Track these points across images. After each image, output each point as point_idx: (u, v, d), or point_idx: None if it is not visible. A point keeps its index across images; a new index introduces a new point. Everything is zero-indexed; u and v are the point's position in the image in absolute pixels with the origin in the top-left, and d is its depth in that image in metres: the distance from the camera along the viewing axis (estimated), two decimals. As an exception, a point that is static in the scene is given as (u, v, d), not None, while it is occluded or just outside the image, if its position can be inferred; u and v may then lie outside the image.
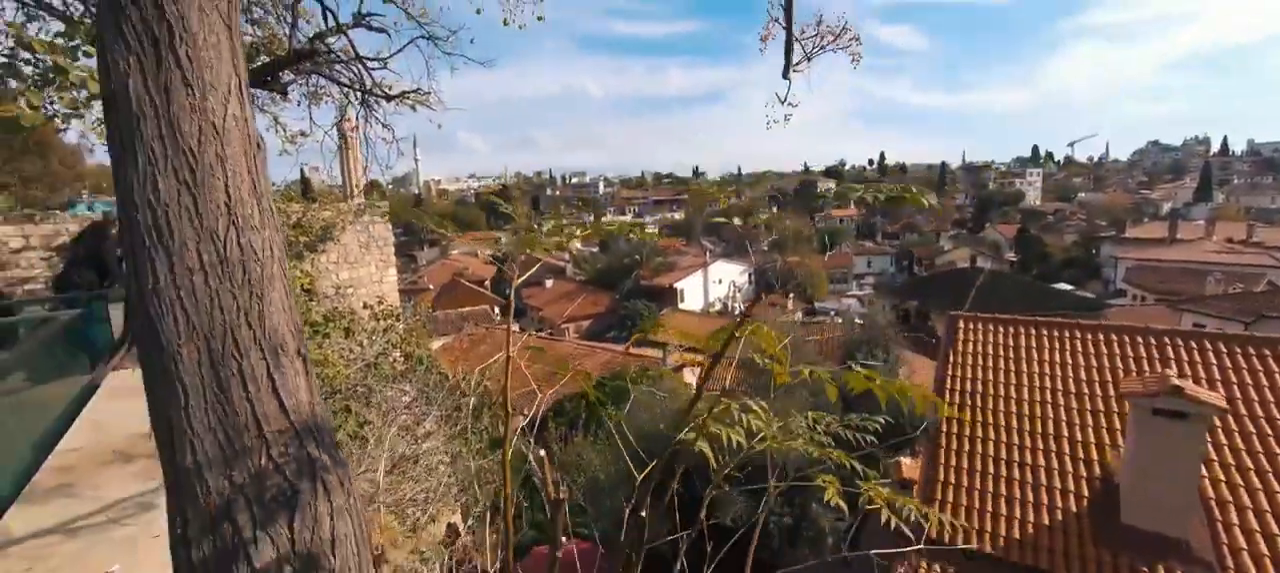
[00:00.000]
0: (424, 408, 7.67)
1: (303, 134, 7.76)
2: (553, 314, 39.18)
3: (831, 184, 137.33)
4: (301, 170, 12.19)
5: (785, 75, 2.32)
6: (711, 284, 44.30)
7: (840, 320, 28.34)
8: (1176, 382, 7.03)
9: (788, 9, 2.04)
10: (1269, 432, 8.14)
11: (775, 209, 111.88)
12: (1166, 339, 9.96)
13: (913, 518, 2.15)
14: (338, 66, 6.57)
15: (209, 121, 1.14)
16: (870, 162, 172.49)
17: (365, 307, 9.36)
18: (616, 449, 10.70)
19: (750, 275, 49.28)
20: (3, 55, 2.93)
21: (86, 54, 3.37)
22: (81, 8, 4.66)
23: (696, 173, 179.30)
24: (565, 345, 25.20)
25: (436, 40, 6.22)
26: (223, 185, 1.14)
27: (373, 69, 6.66)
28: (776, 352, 2.01)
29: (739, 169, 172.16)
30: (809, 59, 2.52)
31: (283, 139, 7.66)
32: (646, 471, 2.27)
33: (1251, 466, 7.84)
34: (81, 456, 2.63)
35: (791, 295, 42.08)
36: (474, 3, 5.69)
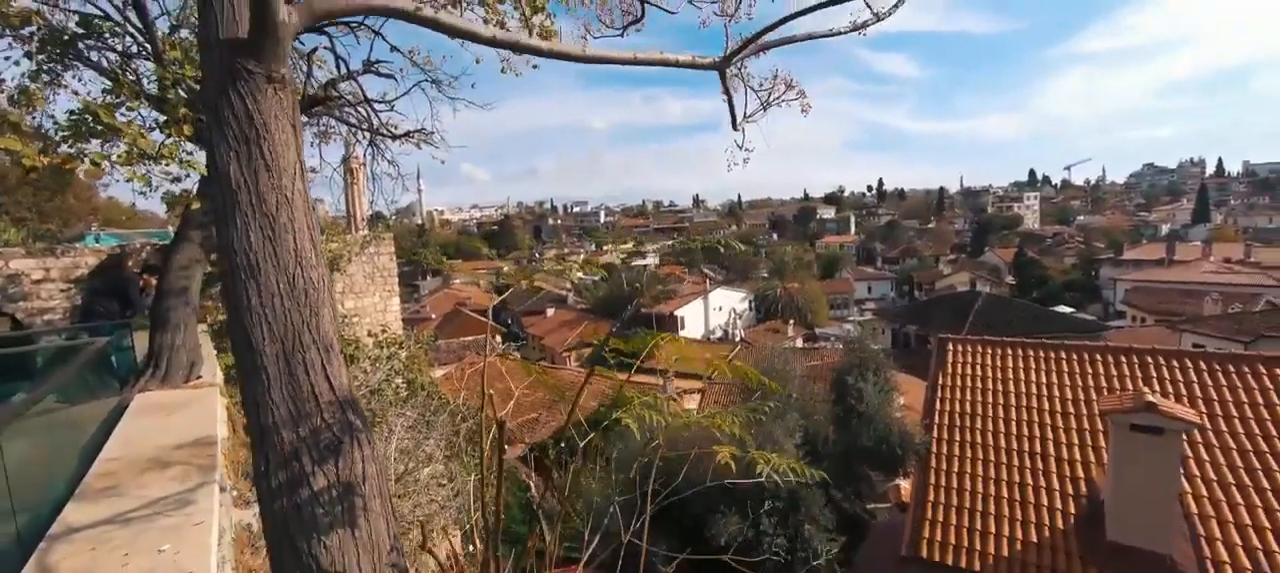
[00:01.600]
0: (424, 432, 7.93)
1: (312, 170, 8.21)
2: (554, 343, 39.45)
3: (831, 210, 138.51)
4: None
5: (735, 127, 2.70)
6: (712, 311, 44.56)
7: (840, 346, 28.51)
8: (1150, 398, 7.29)
9: (724, 88, 2.42)
10: (1248, 447, 8.36)
11: (775, 236, 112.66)
12: (1149, 358, 10.23)
13: (789, 478, 2.42)
14: (347, 109, 7.02)
15: (283, 194, 1.67)
16: (869, 188, 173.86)
17: (370, 335, 9.69)
18: (616, 473, 10.90)
19: (751, 302, 49.58)
20: (72, 116, 3.34)
21: (128, 108, 3.78)
22: (116, 56, 5.11)
23: (697, 200, 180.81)
24: (566, 373, 25.41)
25: (439, 84, 6.67)
26: (292, 238, 1.67)
27: (380, 111, 7.10)
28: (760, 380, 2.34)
29: (739, 196, 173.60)
30: (764, 108, 2.90)
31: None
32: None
33: (1232, 480, 8.05)
34: (121, 464, 2.94)
35: (792, 322, 42.31)
36: (473, 52, 6.13)
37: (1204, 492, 8.04)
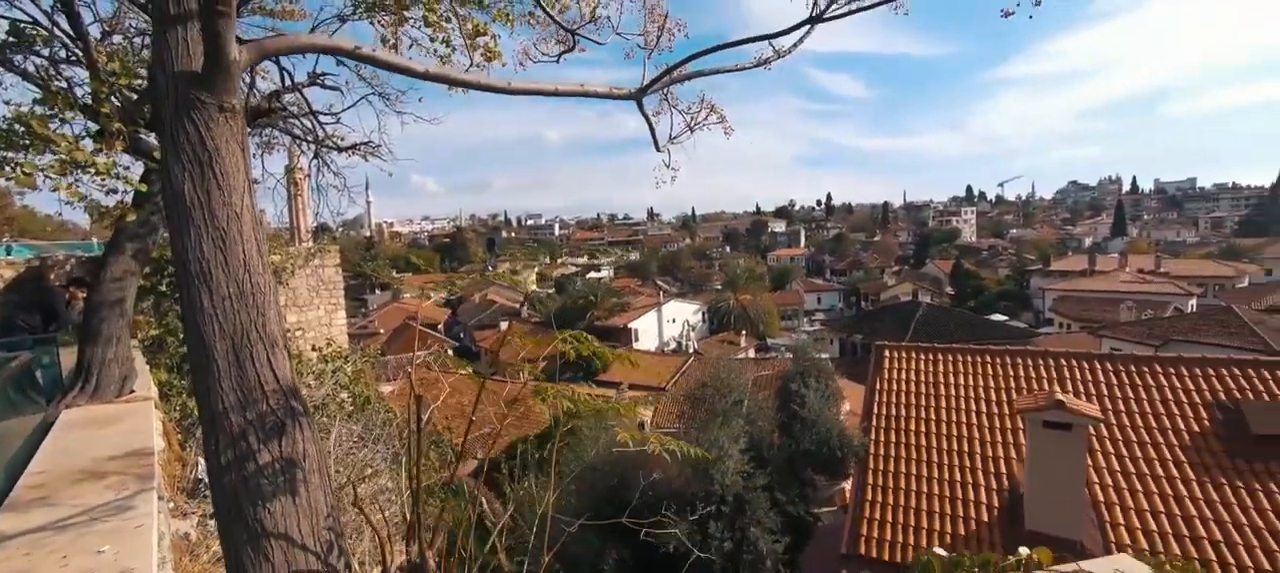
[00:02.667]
0: (372, 447, 7.84)
1: (255, 181, 8.05)
2: (507, 356, 38.93)
3: (782, 224, 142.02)
4: (250, 215, 12.29)
5: (657, 149, 2.94)
6: (666, 323, 45.01)
7: (790, 356, 29.28)
8: (1059, 397, 7.92)
9: (644, 115, 2.67)
10: (1146, 439, 9.15)
11: (728, 248, 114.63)
12: (1063, 361, 11.05)
13: (657, 452, 2.65)
14: (291, 120, 6.96)
15: (232, 210, 1.88)
16: (818, 202, 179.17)
17: (314, 349, 9.50)
18: (567, 484, 10.96)
19: (704, 314, 50.32)
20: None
21: (62, 120, 3.73)
22: (44, 61, 4.99)
23: (652, 214, 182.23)
24: (519, 386, 25.17)
25: (387, 98, 6.72)
26: (241, 248, 1.88)
27: (326, 123, 7.07)
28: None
29: (693, 210, 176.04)
30: (691, 130, 3.16)
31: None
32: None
33: (1133, 469, 8.80)
34: (51, 476, 2.90)
35: (744, 333, 43.13)
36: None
37: (1109, 482, 8.76)
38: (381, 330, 40.41)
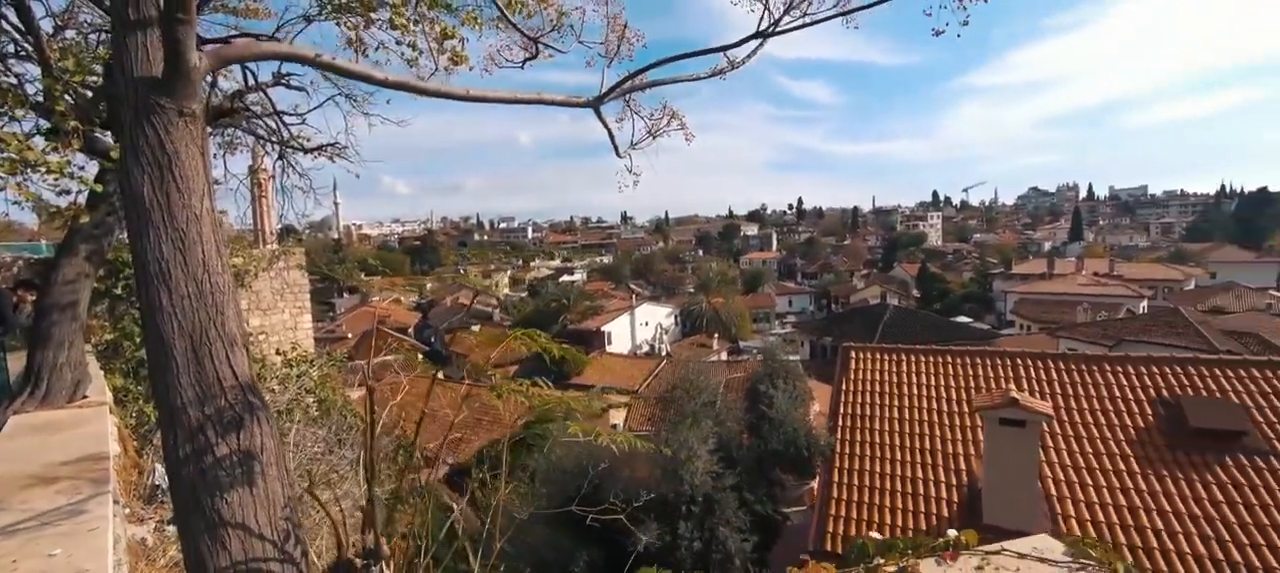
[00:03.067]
0: (339, 452, 7.74)
1: (217, 182, 7.89)
2: (479, 360, 38.57)
3: (754, 228, 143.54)
4: (211, 216, 12.02)
5: (618, 155, 3.03)
6: (639, 326, 45.10)
7: (761, 358, 29.63)
8: (1014, 395, 8.23)
9: (602, 122, 2.76)
10: (1095, 434, 9.56)
11: (701, 252, 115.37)
12: (1019, 360, 11.47)
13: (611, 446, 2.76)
14: (255, 121, 6.86)
15: (191, 212, 1.91)
16: (789, 206, 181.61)
17: (278, 353, 9.33)
18: (538, 487, 10.95)
19: (676, 317, 50.56)
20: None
21: (13, 117, 3.64)
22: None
23: (625, 217, 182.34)
24: (474, 388, 24.95)
25: (353, 99, 6.66)
26: (200, 249, 1.91)
27: (291, 123, 6.98)
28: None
29: (666, 213, 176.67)
30: (653, 136, 3.25)
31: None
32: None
33: (1083, 463, 9.19)
34: (0, 482, 2.85)
35: (716, 335, 43.48)
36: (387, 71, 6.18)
37: (1061, 476, 9.12)
38: (349, 335, 39.66)
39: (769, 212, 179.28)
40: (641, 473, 10.27)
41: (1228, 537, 7.70)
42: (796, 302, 72.40)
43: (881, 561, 2.38)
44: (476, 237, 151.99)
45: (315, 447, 7.35)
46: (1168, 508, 8.25)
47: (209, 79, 6.29)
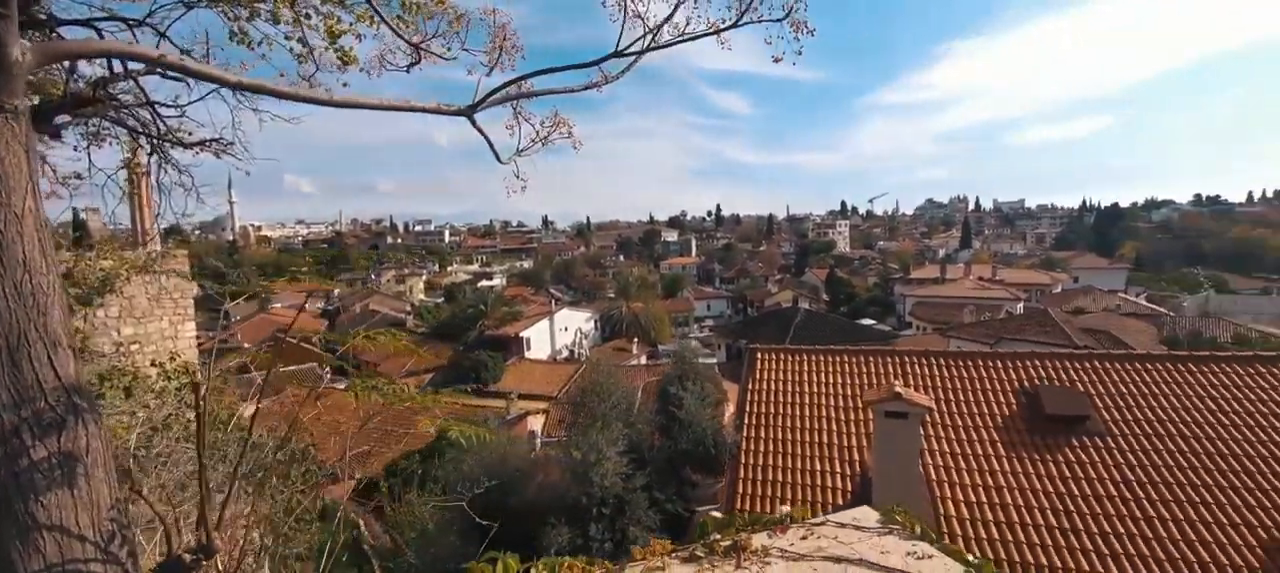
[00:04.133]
0: (224, 468, 7.24)
1: (77, 176, 7.20)
2: (391, 370, 36.95)
3: (675, 234, 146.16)
4: (75, 214, 10.89)
5: (500, 162, 3.11)
6: (558, 331, 44.80)
7: (671, 361, 30.25)
8: (898, 389, 8.95)
9: (478, 130, 2.84)
10: (969, 423, 10.56)
11: (622, 257, 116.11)
12: (906, 358, 12.45)
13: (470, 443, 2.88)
14: (124, 111, 6.32)
15: (12, 212, 1.85)
16: (708, 213, 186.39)
17: (153, 364, 8.59)
18: (448, 497, 10.68)
19: (596, 322, 50.65)
20: None
21: None
22: None
23: (546, 221, 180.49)
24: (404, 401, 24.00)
25: (240, 93, 6.29)
26: (20, 248, 1.86)
27: (168, 116, 6.49)
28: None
29: (588, 218, 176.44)
30: (543, 142, 3.35)
31: (51, 181, 7.03)
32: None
33: (958, 450, 10.11)
34: None
35: (636, 340, 43.92)
36: (276, 64, 5.90)
37: (940, 462, 10.00)
38: (246, 344, 36.85)
39: (689, 218, 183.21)
40: (553, 477, 10.28)
41: (1072, 508, 8.76)
42: (714, 306, 74.36)
43: (717, 536, 2.60)
44: (390, 239, 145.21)
45: (190, 465, 6.84)
46: (1026, 485, 9.26)
47: (67, 65, 5.75)
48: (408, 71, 3.12)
